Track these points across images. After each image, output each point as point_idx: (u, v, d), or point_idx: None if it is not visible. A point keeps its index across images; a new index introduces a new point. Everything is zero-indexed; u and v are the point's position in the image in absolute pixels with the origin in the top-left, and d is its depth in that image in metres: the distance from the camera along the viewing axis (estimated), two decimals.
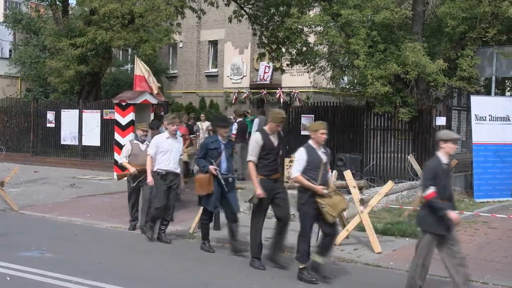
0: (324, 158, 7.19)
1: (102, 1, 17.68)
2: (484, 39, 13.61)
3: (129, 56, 29.91)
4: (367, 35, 13.14)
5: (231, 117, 21.60)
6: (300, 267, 7.22)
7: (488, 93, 15.84)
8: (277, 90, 26.18)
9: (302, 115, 16.49)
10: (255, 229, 7.85)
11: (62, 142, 20.21)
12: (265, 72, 26.67)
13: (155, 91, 17.02)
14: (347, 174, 9.13)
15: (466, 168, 14.68)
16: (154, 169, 9.36)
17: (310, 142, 7.26)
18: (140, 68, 16.97)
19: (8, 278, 6.96)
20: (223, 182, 8.39)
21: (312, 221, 7.17)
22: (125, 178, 10.31)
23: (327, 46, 15.11)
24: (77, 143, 19.71)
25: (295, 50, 16.38)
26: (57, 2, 21.42)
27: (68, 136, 19.96)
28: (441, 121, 14.27)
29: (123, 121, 16.85)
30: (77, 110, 19.65)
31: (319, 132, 7.17)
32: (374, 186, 12.16)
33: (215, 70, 29.57)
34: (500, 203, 13.24)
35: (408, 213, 10.85)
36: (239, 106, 27.00)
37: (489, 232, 10.10)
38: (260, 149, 7.64)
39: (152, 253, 8.65)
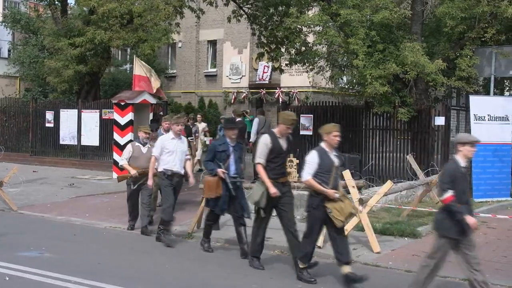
0: (336, 161, 7.04)
1: (101, 0, 17.69)
2: (483, 39, 13.62)
3: (128, 56, 29.92)
4: (366, 35, 13.15)
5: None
6: (301, 267, 7.19)
7: (487, 93, 15.85)
8: (276, 90, 26.22)
9: (301, 115, 16.47)
10: (257, 229, 7.79)
11: (61, 142, 20.20)
12: (264, 72, 26.70)
13: (158, 86, 17.03)
14: (346, 174, 9.13)
15: None
16: (160, 169, 9.23)
17: (322, 144, 7.07)
18: (140, 68, 16.97)
19: (7, 278, 6.96)
20: (230, 186, 8.26)
21: (320, 226, 7.11)
22: (125, 180, 10.18)
23: (326, 46, 15.12)
24: (76, 143, 19.70)
25: (294, 50, 16.37)
26: (56, 2, 21.43)
27: (67, 136, 19.95)
28: (440, 121, 14.28)
29: (122, 121, 16.84)
30: (76, 110, 19.64)
31: (332, 134, 6.99)
32: (373, 186, 12.16)
33: (214, 70, 29.59)
34: (499, 203, 13.25)
35: (407, 213, 10.87)
36: (238, 106, 27.03)
37: (488, 232, 10.10)
38: (269, 152, 7.50)
39: (151, 253, 8.65)
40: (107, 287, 6.73)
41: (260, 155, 7.53)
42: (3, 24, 27.64)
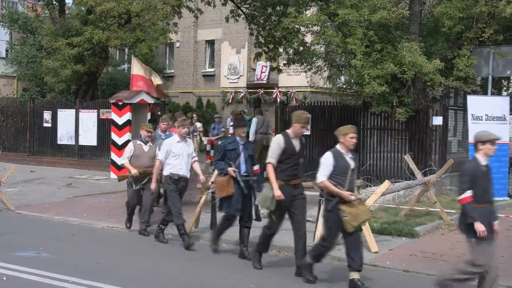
0: (352, 164, 6.90)
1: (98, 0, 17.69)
2: (481, 39, 13.63)
3: (125, 56, 29.90)
4: (364, 35, 13.15)
5: (221, 116, 21.72)
6: (309, 261, 7.11)
7: (484, 92, 15.87)
8: (274, 90, 26.21)
9: None
10: (267, 230, 7.63)
11: (59, 142, 20.16)
12: (262, 72, 26.69)
13: (159, 82, 17.00)
14: None
15: None
16: (166, 173, 9.05)
17: (338, 146, 6.94)
18: (138, 67, 16.95)
19: (5, 278, 6.95)
20: (242, 184, 8.11)
21: (338, 230, 6.93)
22: (126, 180, 10.09)
23: (324, 45, 15.12)
24: (73, 143, 19.66)
25: (292, 50, 16.37)
26: (54, 2, 21.40)
27: (64, 136, 19.92)
28: (437, 120, 14.29)
29: (120, 120, 16.83)
30: (74, 110, 19.60)
31: (349, 136, 6.84)
32: (370, 186, 12.15)
33: (212, 69, 29.59)
34: (496, 203, 13.24)
35: (405, 213, 10.88)
36: (236, 105, 27.03)
37: None
38: (281, 153, 7.38)
39: (150, 253, 8.64)
40: (105, 287, 6.72)
41: (272, 155, 7.39)
42: (1, 23, 27.58)
